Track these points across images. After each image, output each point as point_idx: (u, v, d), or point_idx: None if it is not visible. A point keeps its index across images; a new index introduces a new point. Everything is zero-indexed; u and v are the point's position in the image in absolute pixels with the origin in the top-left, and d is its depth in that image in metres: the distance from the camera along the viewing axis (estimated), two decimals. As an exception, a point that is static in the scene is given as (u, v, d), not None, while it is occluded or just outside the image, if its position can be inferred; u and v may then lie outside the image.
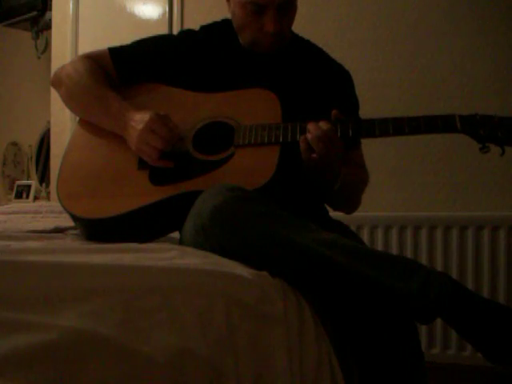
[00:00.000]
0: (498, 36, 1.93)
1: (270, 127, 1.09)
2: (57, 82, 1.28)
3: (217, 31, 1.30)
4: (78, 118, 1.29)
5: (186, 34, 1.33)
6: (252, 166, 1.07)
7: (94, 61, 1.25)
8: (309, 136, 1.04)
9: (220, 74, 1.24)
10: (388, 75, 2.06)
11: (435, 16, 2.01)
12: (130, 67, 1.26)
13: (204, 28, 1.32)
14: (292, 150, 1.08)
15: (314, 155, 1.03)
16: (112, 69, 1.25)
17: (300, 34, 1.34)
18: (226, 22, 1.32)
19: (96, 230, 1.10)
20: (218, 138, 1.13)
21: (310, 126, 1.04)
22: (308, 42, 1.34)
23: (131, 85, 1.26)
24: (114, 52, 1.27)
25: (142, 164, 1.13)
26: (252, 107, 1.15)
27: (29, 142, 3.58)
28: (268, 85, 1.16)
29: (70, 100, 1.26)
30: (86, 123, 1.24)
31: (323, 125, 1.04)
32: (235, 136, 1.11)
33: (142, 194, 1.09)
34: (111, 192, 1.12)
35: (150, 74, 1.26)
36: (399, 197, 2.04)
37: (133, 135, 1.11)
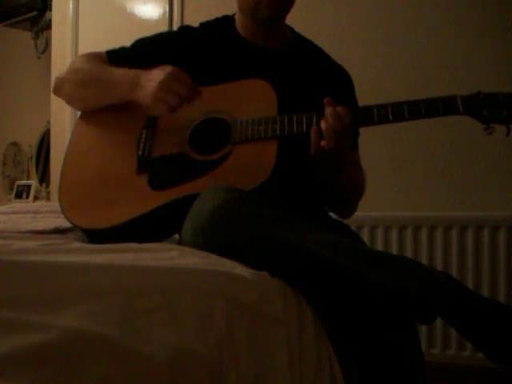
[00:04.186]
0: (502, 35, 1.93)
1: (267, 121, 1.08)
2: (59, 85, 1.27)
3: (216, 26, 1.31)
4: (73, 127, 1.28)
5: (184, 29, 1.33)
6: (250, 164, 1.06)
7: (93, 56, 1.25)
8: (323, 124, 1.02)
9: (219, 67, 1.23)
10: (390, 76, 2.06)
11: (437, 16, 2.01)
12: (128, 65, 1.26)
13: (203, 24, 1.32)
14: (290, 146, 1.07)
15: (324, 142, 1.02)
16: None
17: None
18: (225, 18, 1.32)
19: (100, 239, 1.07)
20: (214, 135, 1.12)
21: (328, 112, 1.02)
22: (309, 41, 1.34)
23: None
24: (112, 53, 1.27)
25: (140, 168, 1.13)
26: (248, 99, 1.14)
27: (29, 141, 3.57)
28: (266, 78, 1.15)
29: (75, 90, 1.24)
30: (80, 131, 1.24)
31: (341, 110, 1.02)
32: (232, 133, 1.10)
33: (142, 200, 1.09)
34: (112, 199, 1.11)
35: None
36: (399, 197, 2.04)
37: (149, 87, 1.09)
